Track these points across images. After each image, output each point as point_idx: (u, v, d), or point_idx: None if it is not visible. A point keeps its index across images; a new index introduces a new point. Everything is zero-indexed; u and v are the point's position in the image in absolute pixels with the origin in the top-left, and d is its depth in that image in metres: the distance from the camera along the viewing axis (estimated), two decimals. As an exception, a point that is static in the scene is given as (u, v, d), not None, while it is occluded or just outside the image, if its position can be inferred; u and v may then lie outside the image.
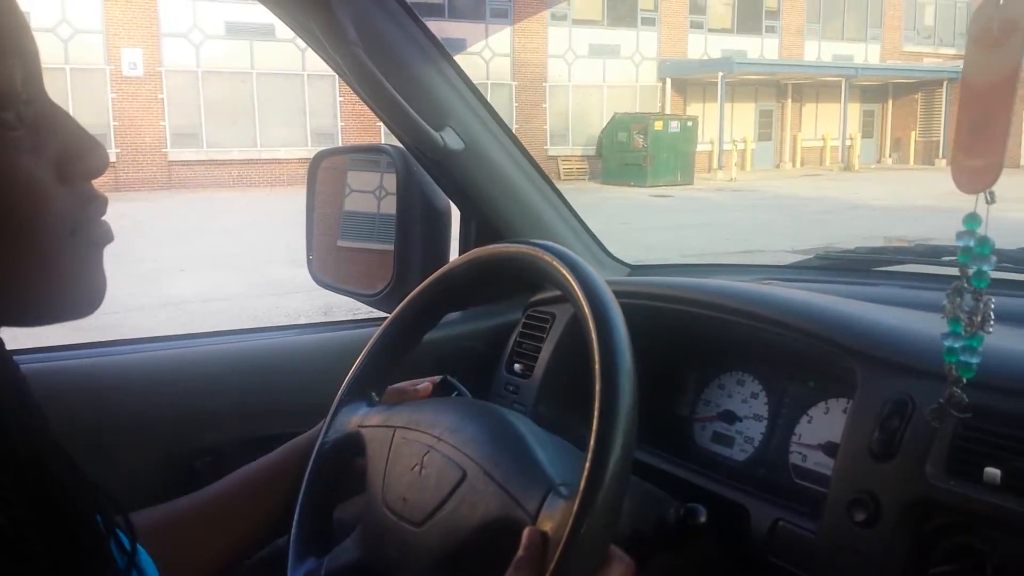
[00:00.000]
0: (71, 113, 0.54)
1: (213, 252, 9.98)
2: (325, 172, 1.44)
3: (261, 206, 14.96)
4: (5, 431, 0.51)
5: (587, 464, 0.63)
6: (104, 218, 0.56)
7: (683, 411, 1.20)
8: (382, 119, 1.19)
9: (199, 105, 18.90)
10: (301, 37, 1.18)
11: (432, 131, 1.20)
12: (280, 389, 1.21)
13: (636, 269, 1.50)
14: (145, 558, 0.67)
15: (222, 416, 1.17)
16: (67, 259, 0.52)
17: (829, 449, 0.98)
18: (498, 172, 1.33)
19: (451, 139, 1.24)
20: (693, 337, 1.20)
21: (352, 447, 0.88)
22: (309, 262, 1.43)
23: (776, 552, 0.92)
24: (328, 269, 1.45)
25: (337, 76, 1.25)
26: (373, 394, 0.92)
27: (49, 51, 16.51)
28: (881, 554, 0.81)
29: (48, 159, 0.51)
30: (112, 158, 17.52)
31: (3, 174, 0.48)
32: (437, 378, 0.96)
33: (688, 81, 24.00)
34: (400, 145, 1.30)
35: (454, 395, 0.95)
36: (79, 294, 0.54)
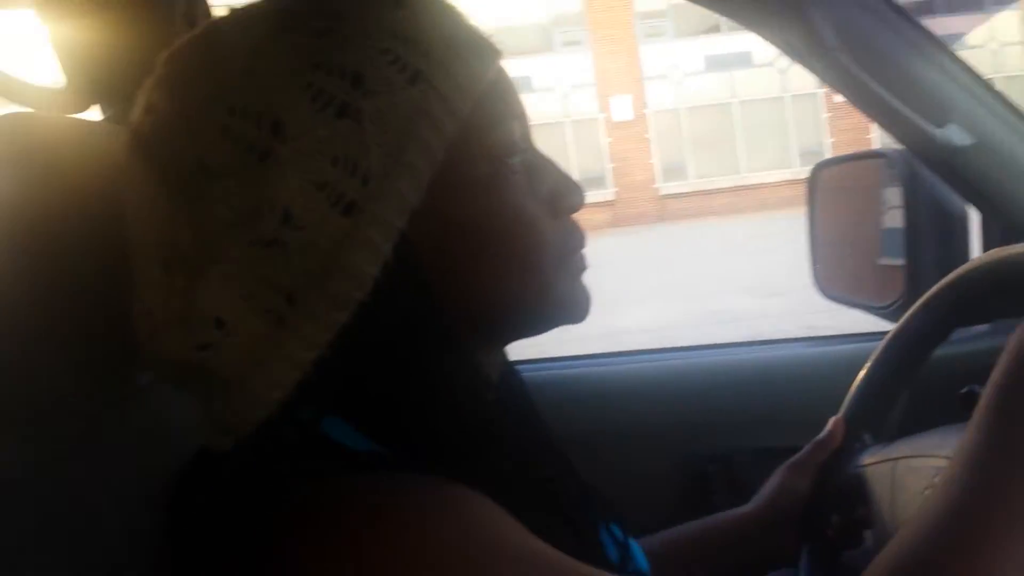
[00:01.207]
0: (574, 160, 0.62)
1: (672, 281, 10.16)
2: (825, 183, 1.41)
3: (741, 231, 15.01)
4: (502, 435, 0.58)
5: None
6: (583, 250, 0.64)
7: None
8: (876, 121, 1.16)
9: (683, 139, 19.67)
10: (783, 51, 1.17)
11: (932, 128, 1.13)
12: (781, 400, 1.21)
13: None
14: (640, 557, 0.71)
15: (727, 424, 1.20)
16: (558, 283, 0.60)
17: None
18: (1021, 166, 1.18)
19: (956, 135, 1.14)
20: None
21: (851, 494, 0.82)
22: (815, 274, 1.42)
23: None
24: (834, 281, 1.41)
25: (821, 93, 1.23)
26: (866, 436, 0.85)
27: (550, 107, 18.56)
28: None
29: (540, 198, 0.60)
30: (611, 196, 19.05)
31: (512, 211, 0.58)
32: None
33: None
34: (902, 148, 1.22)
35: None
36: (569, 310, 0.62)
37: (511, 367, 0.72)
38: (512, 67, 0.60)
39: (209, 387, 0.53)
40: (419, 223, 0.53)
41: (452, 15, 0.57)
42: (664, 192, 19.55)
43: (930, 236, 1.21)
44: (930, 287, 1.11)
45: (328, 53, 0.52)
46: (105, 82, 0.55)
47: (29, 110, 0.80)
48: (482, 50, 0.56)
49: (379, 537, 0.48)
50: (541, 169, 0.61)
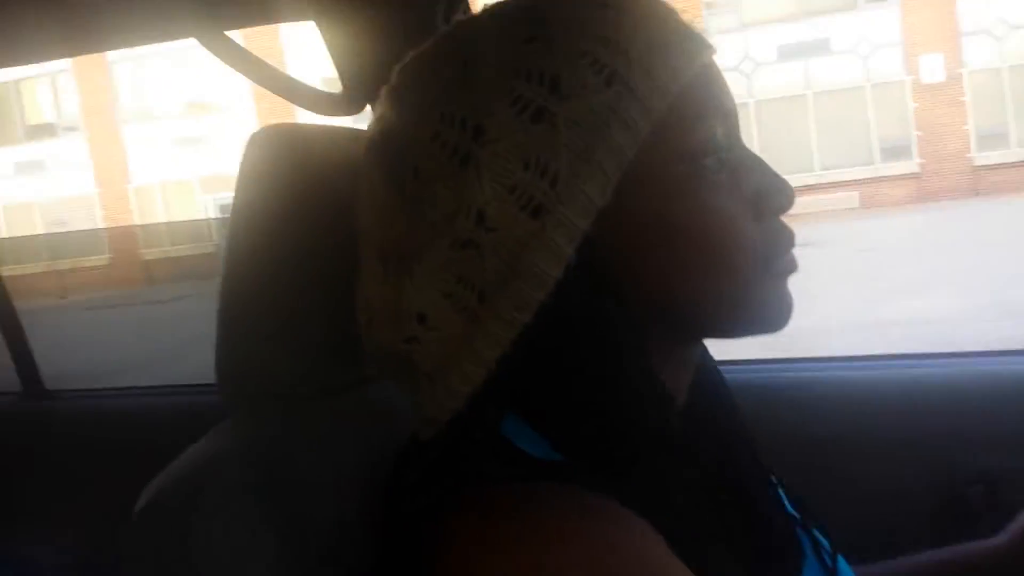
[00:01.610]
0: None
1: (970, 266, 9.13)
2: None
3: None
4: (684, 448, 0.57)
5: None
6: (796, 249, 0.61)
7: None
8: None
9: (1005, 103, 17.66)
10: None
11: None
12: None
13: None
14: (845, 569, 0.68)
15: (992, 439, 1.08)
16: (758, 287, 0.58)
17: None
18: None
19: None
20: None
21: None
22: None
23: None
24: None
25: None
26: None
27: (850, 71, 17.41)
28: None
29: (743, 199, 0.58)
30: (915, 168, 17.64)
31: (708, 212, 0.56)
32: None
33: None
34: None
35: None
36: (767, 316, 0.60)
37: (713, 369, 0.70)
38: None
39: (413, 378, 0.57)
40: (608, 223, 0.54)
41: (659, 11, 0.57)
42: (979, 163, 17.71)
43: None
44: None
45: (532, 59, 0.54)
46: (376, 85, 0.61)
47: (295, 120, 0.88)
48: (687, 46, 0.56)
49: (541, 551, 0.49)
50: (747, 168, 0.59)
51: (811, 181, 17.30)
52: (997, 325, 6.41)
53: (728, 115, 0.59)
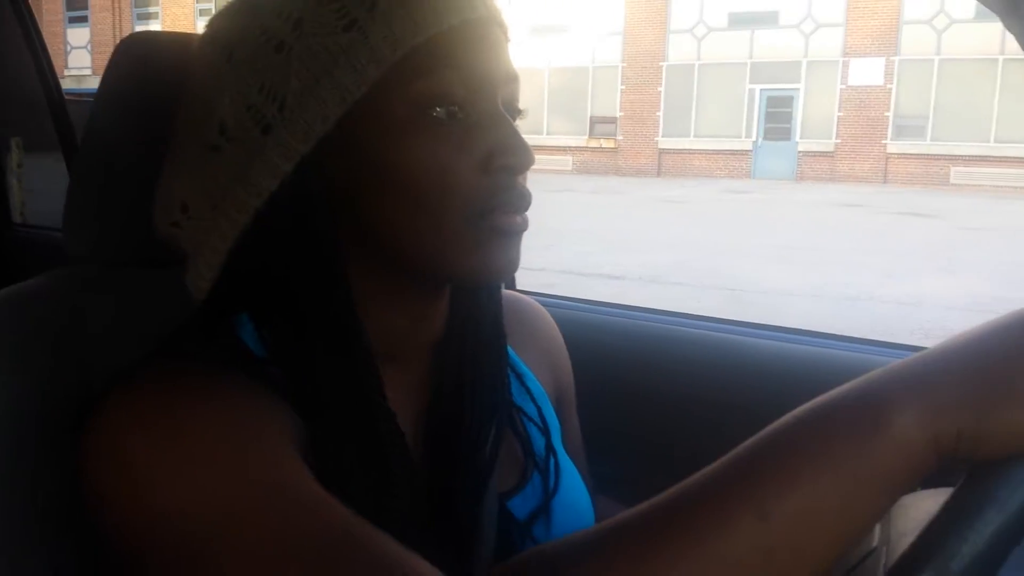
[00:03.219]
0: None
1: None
2: None
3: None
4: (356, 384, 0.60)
5: None
6: (524, 216, 0.63)
7: None
8: None
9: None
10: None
11: None
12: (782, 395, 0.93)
13: None
14: (577, 498, 0.73)
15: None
16: (468, 237, 0.60)
17: None
18: None
19: None
20: None
21: None
22: None
23: None
24: None
25: None
26: None
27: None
28: None
29: (473, 153, 0.60)
30: None
31: (422, 155, 0.59)
32: None
33: None
34: None
35: None
36: (477, 268, 0.61)
37: (490, 323, 0.71)
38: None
39: (183, 259, 0.62)
40: (334, 154, 0.59)
41: None
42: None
43: None
44: None
45: (288, 1, 0.59)
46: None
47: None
48: (438, 5, 0.58)
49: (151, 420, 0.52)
50: (485, 126, 0.61)
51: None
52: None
53: (472, 74, 0.60)
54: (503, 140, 0.60)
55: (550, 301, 1.28)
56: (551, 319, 0.86)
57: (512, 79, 0.63)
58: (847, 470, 0.42)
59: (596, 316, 1.30)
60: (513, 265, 0.63)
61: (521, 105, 0.65)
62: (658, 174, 22.00)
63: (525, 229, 0.63)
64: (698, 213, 13.71)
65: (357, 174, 0.60)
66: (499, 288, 0.74)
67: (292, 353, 0.59)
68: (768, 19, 20.86)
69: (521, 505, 0.68)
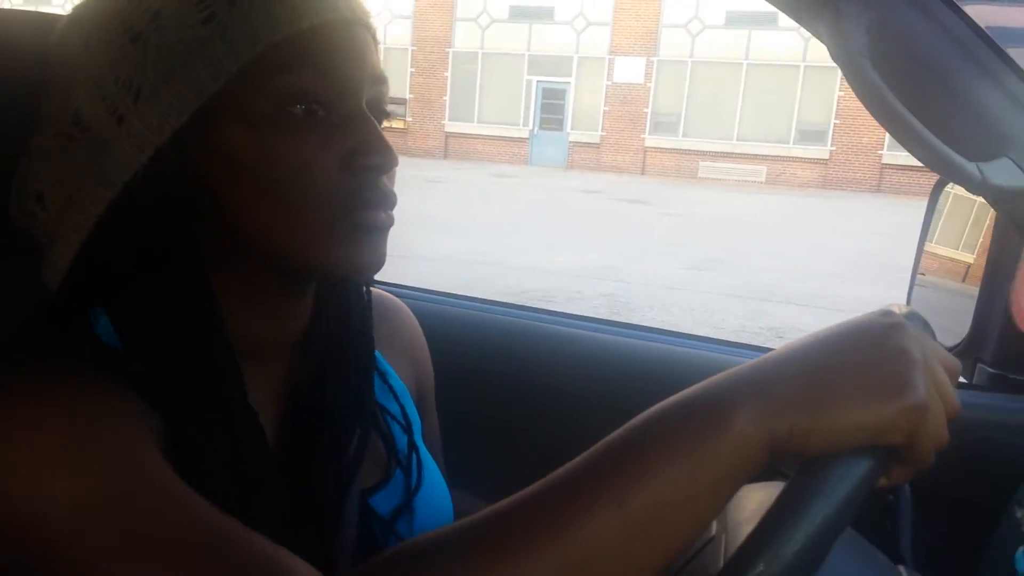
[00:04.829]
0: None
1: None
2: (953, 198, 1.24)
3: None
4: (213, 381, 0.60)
5: None
6: (389, 212, 0.63)
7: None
8: (905, 147, 0.90)
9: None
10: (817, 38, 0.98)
11: (964, 162, 0.90)
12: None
13: None
14: (436, 493, 0.75)
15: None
16: (330, 234, 0.60)
17: None
18: None
19: (1000, 174, 0.92)
20: None
21: None
22: (909, 292, 1.28)
23: None
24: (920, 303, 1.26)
25: None
26: None
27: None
28: None
29: (335, 151, 0.60)
30: (825, 155, 19.35)
31: (279, 151, 0.58)
32: None
33: None
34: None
35: None
36: (339, 264, 0.61)
37: (358, 318, 0.72)
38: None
39: (40, 250, 0.60)
40: (193, 147, 0.58)
41: None
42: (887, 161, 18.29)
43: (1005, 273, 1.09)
44: (994, 335, 1.09)
45: None
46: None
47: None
48: (300, 4, 0.58)
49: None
50: (348, 126, 0.60)
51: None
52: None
53: (329, 72, 0.60)
54: (366, 140, 0.60)
55: (405, 293, 1.33)
56: (412, 316, 0.88)
57: (379, 81, 0.64)
58: (694, 463, 0.45)
59: (451, 309, 1.36)
60: (379, 262, 0.63)
61: None
62: (445, 156, 22.73)
63: (390, 225, 0.63)
64: (454, 192, 14.60)
65: (217, 169, 0.59)
66: (366, 288, 0.74)
67: (149, 349, 0.58)
68: (545, 14, 21.87)
69: (383, 502, 0.70)
